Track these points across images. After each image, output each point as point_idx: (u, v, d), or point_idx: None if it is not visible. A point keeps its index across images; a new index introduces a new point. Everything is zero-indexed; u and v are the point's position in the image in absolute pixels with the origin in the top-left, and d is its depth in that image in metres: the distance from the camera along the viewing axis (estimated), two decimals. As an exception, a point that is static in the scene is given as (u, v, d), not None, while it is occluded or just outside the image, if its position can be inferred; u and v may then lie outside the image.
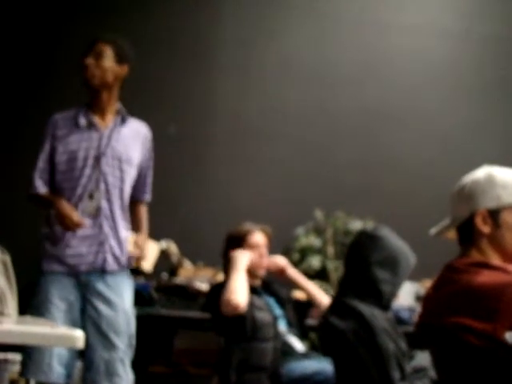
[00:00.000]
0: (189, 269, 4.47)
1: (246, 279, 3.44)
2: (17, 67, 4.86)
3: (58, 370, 2.82)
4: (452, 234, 1.99)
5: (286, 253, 4.42)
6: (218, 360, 3.51)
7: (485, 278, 1.79)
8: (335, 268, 4.64)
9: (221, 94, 5.01)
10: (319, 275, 4.62)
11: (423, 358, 2.84)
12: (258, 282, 3.60)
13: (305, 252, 4.63)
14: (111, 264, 2.95)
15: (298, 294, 3.87)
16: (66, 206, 2.88)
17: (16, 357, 2.52)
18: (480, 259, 1.87)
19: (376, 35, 5.33)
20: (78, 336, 1.95)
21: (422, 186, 5.14)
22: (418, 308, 4.13)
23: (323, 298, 3.66)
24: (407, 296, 4.50)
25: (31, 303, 2.92)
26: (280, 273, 3.70)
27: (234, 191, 4.93)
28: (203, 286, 4.17)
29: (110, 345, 2.89)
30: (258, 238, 3.59)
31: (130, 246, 3.00)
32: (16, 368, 2.47)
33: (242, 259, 3.46)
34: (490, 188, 1.89)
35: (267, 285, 3.66)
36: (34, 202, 3.05)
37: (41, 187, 2.99)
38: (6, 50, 4.82)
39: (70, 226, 2.86)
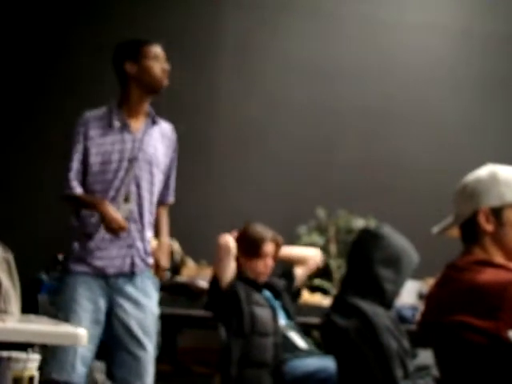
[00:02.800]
0: (192, 267, 4.47)
1: (249, 272, 3.51)
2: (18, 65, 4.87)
3: (80, 370, 2.84)
4: (455, 232, 1.99)
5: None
6: (219, 358, 3.52)
7: (487, 276, 1.79)
8: (338, 266, 4.64)
9: (223, 93, 5.01)
10: (322, 274, 4.62)
11: (426, 357, 2.83)
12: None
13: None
14: (139, 266, 2.95)
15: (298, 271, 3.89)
16: (111, 210, 2.86)
17: (20, 355, 2.51)
18: (483, 257, 1.87)
19: (378, 34, 5.33)
20: (82, 334, 1.95)
21: (424, 184, 5.14)
22: (421, 306, 4.13)
23: (307, 252, 3.82)
24: (410, 294, 4.50)
25: (57, 302, 2.94)
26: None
27: (236, 190, 4.93)
28: (206, 285, 4.17)
29: (140, 345, 2.92)
30: (269, 248, 3.61)
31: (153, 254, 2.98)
32: (19, 366, 2.47)
33: (226, 249, 3.51)
34: (492, 186, 1.89)
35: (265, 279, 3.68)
36: (68, 202, 3.01)
37: (77, 188, 2.94)
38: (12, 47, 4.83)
39: (116, 230, 2.85)
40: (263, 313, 3.46)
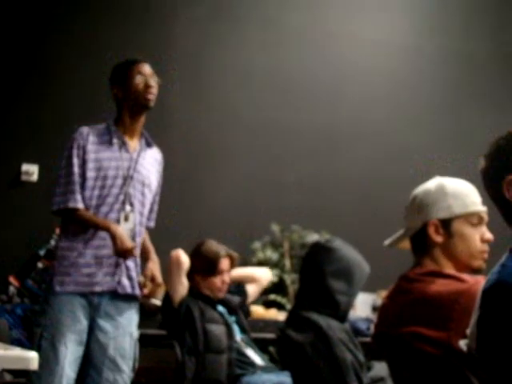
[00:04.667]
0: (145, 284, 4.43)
1: (206, 288, 3.52)
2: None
3: None
4: (406, 245, 2.01)
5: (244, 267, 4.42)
6: (174, 377, 3.50)
7: (438, 286, 1.81)
8: (292, 281, 4.65)
9: (173, 109, 5.00)
10: (276, 289, 4.63)
11: (381, 368, 2.87)
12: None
13: (262, 266, 4.64)
14: (125, 287, 2.91)
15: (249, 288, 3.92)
16: (123, 232, 2.84)
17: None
18: (433, 268, 1.90)
19: (330, 48, 5.39)
20: (33, 357, 1.93)
21: (374, 198, 5.21)
22: (375, 319, 4.17)
23: (257, 272, 3.90)
24: (364, 307, 4.54)
25: (42, 324, 2.87)
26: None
27: (191, 205, 4.92)
28: (160, 303, 4.14)
29: (116, 368, 2.88)
30: (224, 264, 3.61)
31: (143, 278, 2.94)
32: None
33: (178, 264, 3.50)
34: (441, 198, 1.93)
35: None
36: (68, 216, 2.93)
37: (80, 202, 2.89)
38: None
39: (126, 253, 2.81)
40: (217, 329, 3.46)
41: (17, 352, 2.07)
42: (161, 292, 3.65)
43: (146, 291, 2.97)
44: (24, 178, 4.69)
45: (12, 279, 4.25)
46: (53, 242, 4.13)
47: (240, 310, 3.71)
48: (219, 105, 5.14)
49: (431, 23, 5.64)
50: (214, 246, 3.63)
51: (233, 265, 3.66)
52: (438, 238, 1.91)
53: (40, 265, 4.23)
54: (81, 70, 4.76)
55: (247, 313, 3.88)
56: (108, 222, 2.87)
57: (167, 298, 3.54)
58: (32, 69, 4.83)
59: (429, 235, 1.91)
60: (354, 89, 5.39)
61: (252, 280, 3.87)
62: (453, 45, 5.60)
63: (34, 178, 4.69)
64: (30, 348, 2.71)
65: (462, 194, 1.94)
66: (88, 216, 2.90)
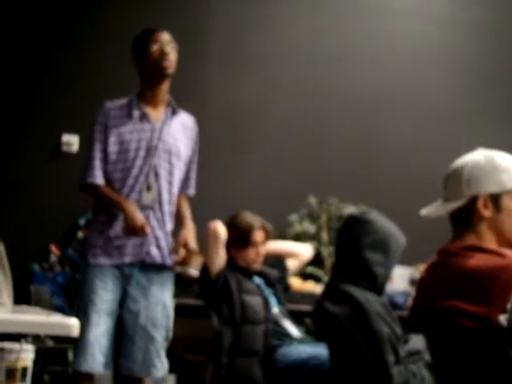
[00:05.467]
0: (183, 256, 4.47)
1: (240, 260, 3.53)
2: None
3: (100, 359, 2.86)
4: (440, 213, 1.96)
5: (281, 239, 4.43)
6: (211, 346, 3.54)
7: (478, 261, 1.80)
8: (329, 254, 4.65)
9: (212, 82, 4.99)
10: (314, 261, 4.63)
11: (418, 342, 2.86)
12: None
13: (299, 238, 4.64)
14: (154, 256, 2.95)
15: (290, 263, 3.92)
16: (135, 210, 2.86)
17: (13, 346, 2.51)
18: (474, 243, 1.88)
19: (367, 20, 5.32)
20: (74, 324, 1.96)
21: (414, 170, 5.15)
22: (413, 292, 4.16)
23: (299, 248, 3.86)
24: (402, 280, 4.52)
25: (79, 294, 2.95)
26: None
27: (227, 179, 4.92)
28: (197, 274, 4.18)
29: (148, 337, 2.93)
30: (258, 236, 3.61)
31: (176, 245, 2.95)
32: (13, 357, 2.47)
33: (215, 236, 3.50)
34: (492, 172, 1.88)
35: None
36: (88, 191, 3.00)
37: (100, 177, 2.94)
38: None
39: (137, 230, 2.84)
40: (254, 301, 3.47)
41: (58, 319, 2.10)
42: (196, 259, 3.65)
43: (178, 258, 2.98)
44: (64, 148, 4.74)
45: (53, 248, 4.33)
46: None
47: (278, 283, 3.72)
48: (258, 75, 5.11)
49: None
50: (248, 217, 3.63)
51: (267, 237, 3.66)
52: (487, 213, 1.87)
53: (80, 234, 4.29)
54: (120, 42, 4.78)
55: (286, 287, 3.89)
56: (122, 199, 2.89)
57: (205, 269, 3.56)
58: (71, 37, 4.86)
59: (477, 209, 1.88)
60: (394, 59, 5.32)
61: (292, 255, 3.87)
62: (491, 17, 5.47)
63: (75, 148, 4.74)
64: (72, 315, 2.77)
65: (512, 168, 1.90)
66: (105, 192, 2.93)
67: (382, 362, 2.71)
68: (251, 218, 3.63)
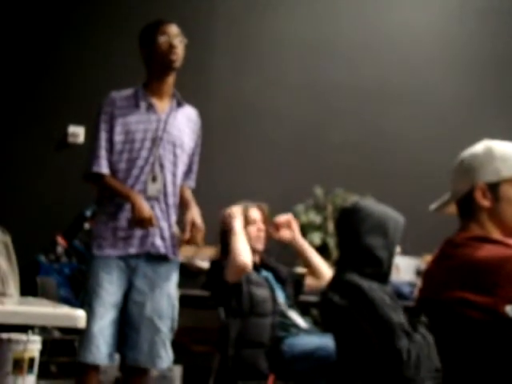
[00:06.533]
0: (189, 247, 4.48)
1: (246, 239, 3.46)
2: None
3: (104, 351, 2.87)
4: (452, 209, 1.99)
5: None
6: (218, 337, 3.54)
7: (484, 252, 1.79)
8: (335, 244, 4.65)
9: (215, 71, 4.99)
10: (320, 252, 4.62)
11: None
12: (256, 259, 3.62)
13: (305, 229, 4.64)
14: (158, 247, 2.95)
15: (300, 270, 3.89)
16: (142, 201, 2.86)
17: (20, 337, 2.53)
18: (480, 233, 1.87)
19: (372, 12, 5.30)
20: (81, 315, 1.97)
21: (421, 161, 5.15)
22: (419, 283, 4.15)
23: (327, 271, 3.64)
24: (408, 271, 4.52)
25: (84, 286, 2.95)
26: (288, 225, 3.67)
27: (233, 170, 4.93)
28: (204, 264, 4.18)
29: (153, 328, 2.93)
30: (255, 213, 3.63)
31: (178, 230, 2.96)
32: (20, 348, 2.48)
33: (236, 222, 3.47)
34: (489, 161, 1.89)
35: (265, 261, 3.68)
36: (93, 181, 2.99)
37: (105, 167, 2.94)
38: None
39: (145, 222, 2.84)
40: (263, 293, 3.47)
41: (65, 310, 2.11)
42: (202, 237, 3.63)
43: (186, 237, 2.97)
44: (71, 139, 4.75)
45: (60, 239, 4.34)
46: (97, 204, 4.19)
47: (290, 281, 3.69)
48: (263, 68, 5.10)
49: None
50: (241, 203, 3.67)
51: (264, 214, 3.67)
52: (485, 202, 1.87)
53: (87, 225, 4.30)
54: (126, 33, 4.77)
55: (301, 291, 3.77)
56: (130, 190, 2.89)
57: (217, 261, 3.56)
58: (78, 28, 4.85)
59: (475, 199, 1.88)
60: (399, 50, 5.30)
61: (317, 274, 3.71)
62: (504, 5, 5.44)
63: (81, 139, 4.75)
64: (78, 307, 2.77)
65: (510, 157, 1.89)
66: (111, 182, 2.93)
67: (393, 349, 2.70)
68: (244, 202, 3.67)
